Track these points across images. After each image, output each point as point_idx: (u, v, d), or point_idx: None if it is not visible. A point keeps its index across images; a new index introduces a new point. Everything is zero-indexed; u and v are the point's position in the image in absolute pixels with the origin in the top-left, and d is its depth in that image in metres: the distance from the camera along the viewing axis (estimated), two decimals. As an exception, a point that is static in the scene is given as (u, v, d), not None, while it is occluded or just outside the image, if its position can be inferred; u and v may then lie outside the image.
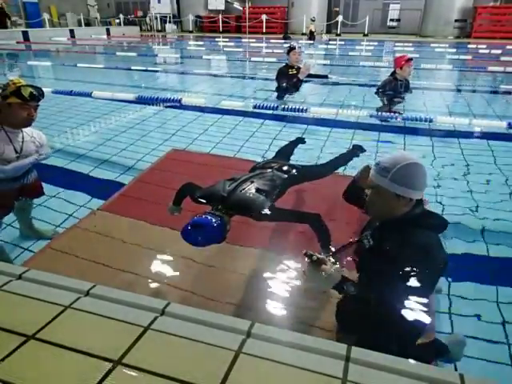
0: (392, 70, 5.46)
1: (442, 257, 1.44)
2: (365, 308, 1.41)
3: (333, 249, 1.99)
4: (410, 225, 1.46)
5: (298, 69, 5.93)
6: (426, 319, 1.36)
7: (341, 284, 1.43)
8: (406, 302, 1.36)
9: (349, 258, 1.77)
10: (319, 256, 1.43)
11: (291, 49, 5.96)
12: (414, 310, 1.36)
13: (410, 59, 5.18)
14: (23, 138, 2.32)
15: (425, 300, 1.37)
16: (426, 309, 1.36)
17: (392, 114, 5.27)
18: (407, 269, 1.36)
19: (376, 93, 5.62)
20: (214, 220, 1.99)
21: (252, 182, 2.31)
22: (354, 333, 1.28)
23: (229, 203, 2.13)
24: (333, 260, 1.47)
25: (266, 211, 2.13)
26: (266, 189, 2.28)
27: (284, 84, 6.01)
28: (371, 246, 1.55)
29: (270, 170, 2.54)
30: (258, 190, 2.24)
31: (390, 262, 1.39)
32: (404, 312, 1.36)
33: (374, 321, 1.39)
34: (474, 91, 7.82)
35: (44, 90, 2.31)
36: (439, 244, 1.47)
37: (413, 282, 1.36)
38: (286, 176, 2.54)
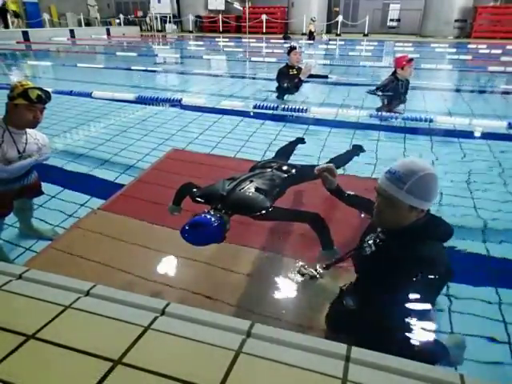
0: (392, 69, 5.44)
1: (445, 269, 1.40)
2: (359, 316, 1.40)
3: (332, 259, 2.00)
4: (415, 235, 1.41)
5: (299, 69, 5.93)
6: (426, 329, 1.36)
7: (339, 299, 1.42)
8: (405, 312, 1.36)
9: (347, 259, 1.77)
10: (311, 274, 1.44)
11: (292, 49, 5.95)
12: (413, 319, 1.37)
13: (411, 59, 5.15)
14: (27, 140, 2.34)
15: (425, 311, 1.37)
16: (425, 319, 1.37)
17: (392, 114, 5.27)
18: (408, 280, 1.34)
19: (372, 91, 5.57)
20: (213, 219, 1.99)
21: (251, 182, 2.31)
22: (347, 339, 1.27)
23: (228, 202, 2.13)
24: (327, 276, 1.47)
25: (266, 210, 2.13)
26: (265, 188, 2.28)
27: (285, 84, 6.01)
28: (372, 253, 1.52)
29: (269, 170, 2.54)
30: (257, 190, 2.24)
31: (391, 271, 1.37)
32: (403, 321, 1.36)
33: (370, 327, 1.38)
34: (473, 91, 7.81)
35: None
36: (443, 256, 1.43)
37: (413, 294, 1.35)
38: (286, 176, 2.54)
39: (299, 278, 2.07)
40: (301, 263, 2.18)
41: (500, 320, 1.95)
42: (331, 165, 1.85)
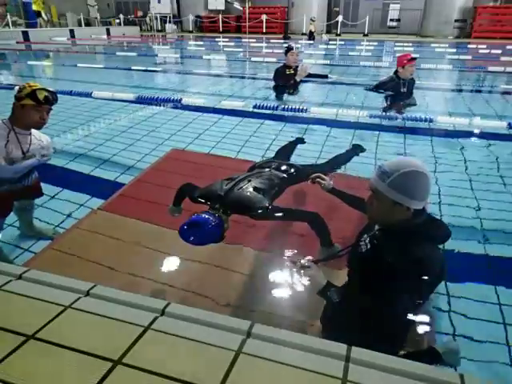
0: (394, 68, 5.40)
1: (437, 271, 1.40)
2: (348, 314, 1.41)
3: (326, 255, 2.01)
4: (410, 235, 1.39)
5: (296, 68, 5.97)
6: (416, 328, 1.36)
7: (325, 290, 1.43)
8: (394, 312, 1.36)
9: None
10: (300, 262, 1.45)
11: (289, 49, 6.03)
12: (401, 319, 1.37)
13: (414, 58, 5.09)
14: (31, 141, 2.36)
15: (413, 310, 1.38)
16: (414, 318, 1.38)
17: (392, 114, 5.25)
18: (398, 279, 1.34)
19: (370, 89, 5.54)
20: (211, 219, 2.00)
21: (249, 181, 2.31)
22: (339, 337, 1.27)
23: (226, 202, 2.13)
24: (315, 266, 1.48)
25: (264, 210, 2.13)
26: (263, 187, 2.28)
27: (280, 84, 6.06)
28: (367, 250, 1.51)
29: (267, 170, 2.55)
30: (255, 189, 2.24)
31: (382, 269, 1.36)
32: (391, 321, 1.36)
33: (361, 327, 1.38)
34: (473, 91, 7.81)
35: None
36: (438, 258, 1.43)
37: (403, 294, 1.35)
38: (284, 175, 2.54)
39: (299, 277, 2.07)
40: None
41: (500, 320, 1.95)
42: (318, 174, 2.11)
